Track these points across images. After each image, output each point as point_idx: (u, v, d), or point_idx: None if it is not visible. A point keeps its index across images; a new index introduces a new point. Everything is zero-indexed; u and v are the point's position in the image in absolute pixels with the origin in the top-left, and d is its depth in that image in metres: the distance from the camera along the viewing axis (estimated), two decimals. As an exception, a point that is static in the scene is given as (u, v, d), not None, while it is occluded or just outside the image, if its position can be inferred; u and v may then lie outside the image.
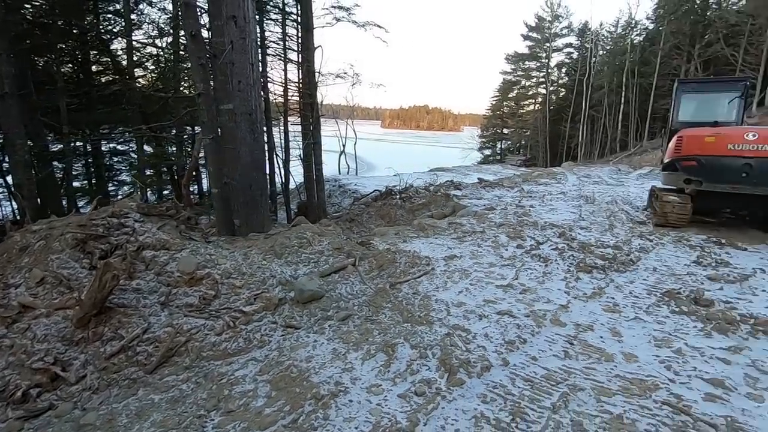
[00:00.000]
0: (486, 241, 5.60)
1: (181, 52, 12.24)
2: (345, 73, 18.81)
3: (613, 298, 3.78)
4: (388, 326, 3.34)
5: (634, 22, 32.89)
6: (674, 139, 6.15)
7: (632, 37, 32.40)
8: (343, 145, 26.90)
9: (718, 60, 25.68)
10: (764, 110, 19.59)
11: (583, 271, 4.43)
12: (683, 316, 3.35)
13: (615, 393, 2.40)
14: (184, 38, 9.76)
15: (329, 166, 18.91)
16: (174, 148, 12.86)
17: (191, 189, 12.76)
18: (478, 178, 14.22)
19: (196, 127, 11.86)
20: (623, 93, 30.90)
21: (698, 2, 27.46)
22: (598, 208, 7.77)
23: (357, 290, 4.13)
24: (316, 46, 11.76)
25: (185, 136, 12.80)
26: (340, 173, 24.66)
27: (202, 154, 7.18)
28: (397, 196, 10.91)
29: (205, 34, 7.68)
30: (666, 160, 6.45)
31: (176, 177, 12.27)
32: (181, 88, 12.41)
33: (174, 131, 12.26)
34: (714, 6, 27.57)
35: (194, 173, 12.41)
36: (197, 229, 5.37)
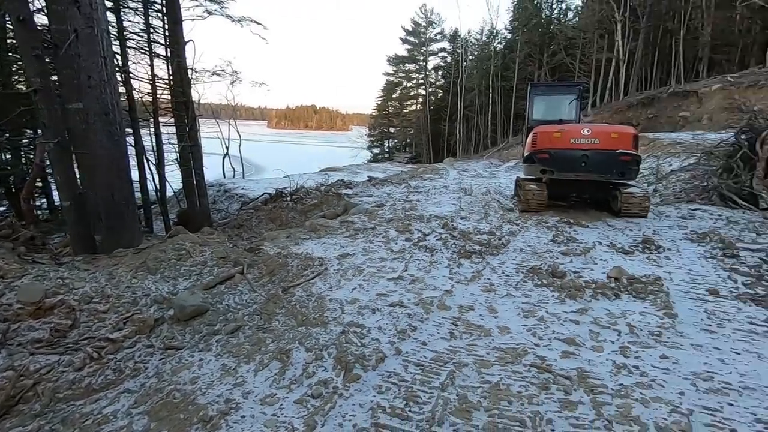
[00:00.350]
0: (377, 237, 5.76)
1: (10, 40, 10.17)
2: (222, 70, 17.51)
3: (489, 279, 4.19)
4: (282, 332, 3.23)
5: (495, 31, 37.09)
6: (531, 135, 7.07)
7: (495, 44, 36.41)
8: (227, 147, 25.19)
9: (561, 67, 30.34)
10: (596, 110, 23.64)
11: (463, 257, 4.83)
12: (544, 288, 3.87)
13: (493, 363, 2.67)
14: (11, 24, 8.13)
15: (212, 170, 17.56)
16: (9, 156, 10.63)
17: (36, 203, 10.71)
18: (368, 177, 14.60)
19: (38, 130, 9.97)
20: (491, 95, 34.54)
21: (544, 17, 32.12)
22: (474, 199, 8.55)
23: (247, 299, 3.92)
24: (186, 40, 10.80)
25: (24, 141, 10.68)
26: (225, 177, 23.04)
27: (48, 162, 6.10)
28: (288, 198, 10.64)
29: (44, 20, 6.50)
30: (526, 154, 7.37)
31: (14, 190, 10.18)
32: (15, 83, 10.33)
33: (7, 135, 10.14)
34: (556, 21, 32.55)
35: (39, 184, 10.46)
36: (45, 251, 4.55)
